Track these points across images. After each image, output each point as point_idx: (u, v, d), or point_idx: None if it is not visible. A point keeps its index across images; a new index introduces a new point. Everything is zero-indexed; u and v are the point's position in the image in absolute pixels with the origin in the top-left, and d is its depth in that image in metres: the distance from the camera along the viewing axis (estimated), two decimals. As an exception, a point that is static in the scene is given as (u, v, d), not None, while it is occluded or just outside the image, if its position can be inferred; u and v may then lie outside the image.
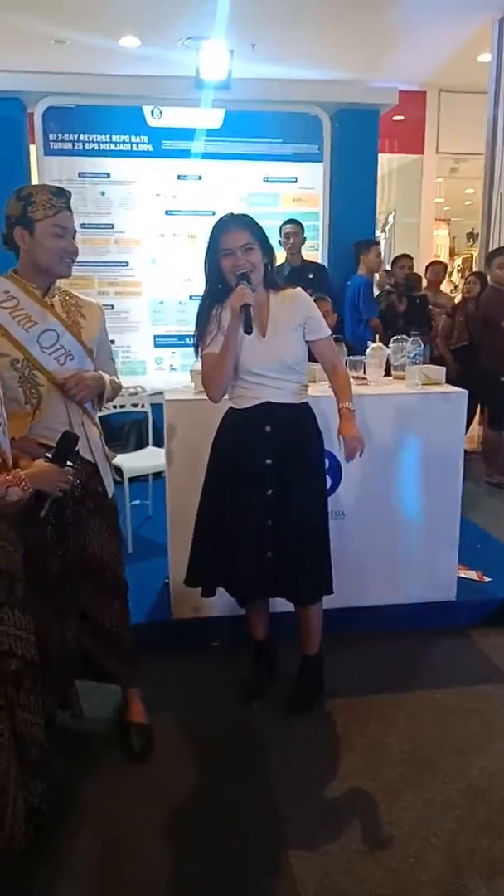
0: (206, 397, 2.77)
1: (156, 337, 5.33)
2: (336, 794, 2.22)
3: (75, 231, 2.11)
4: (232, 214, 2.35)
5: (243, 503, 2.41)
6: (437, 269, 6.38)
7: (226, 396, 2.46)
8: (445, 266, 7.03)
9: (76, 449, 1.93)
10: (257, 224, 2.34)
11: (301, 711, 2.58)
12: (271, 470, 2.38)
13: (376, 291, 5.88)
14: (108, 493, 2.25)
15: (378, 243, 5.66)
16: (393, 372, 3.26)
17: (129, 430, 5.05)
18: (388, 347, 3.28)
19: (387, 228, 10.29)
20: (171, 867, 1.93)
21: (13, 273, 2.12)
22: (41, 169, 4.90)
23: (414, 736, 2.48)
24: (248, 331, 2.21)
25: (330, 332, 2.47)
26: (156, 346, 5.34)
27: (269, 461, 2.38)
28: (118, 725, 2.45)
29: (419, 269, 6.27)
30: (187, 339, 5.39)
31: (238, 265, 2.27)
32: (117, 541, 2.32)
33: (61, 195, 2.06)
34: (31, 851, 1.87)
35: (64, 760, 2.26)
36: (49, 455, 1.85)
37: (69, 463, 1.86)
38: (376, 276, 5.93)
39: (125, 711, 2.44)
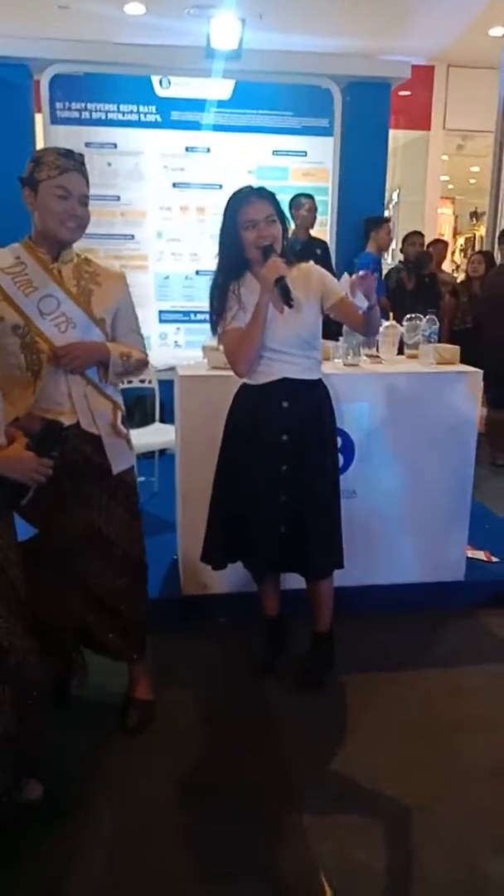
0: (220, 373, 2.78)
1: (161, 312, 5.27)
2: (349, 768, 2.23)
3: (85, 196, 2.04)
4: (251, 187, 2.31)
5: (258, 479, 2.41)
6: (440, 248, 6.33)
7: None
8: (447, 244, 6.99)
9: (63, 433, 1.87)
10: (276, 197, 2.31)
11: (312, 688, 2.59)
12: (287, 446, 2.37)
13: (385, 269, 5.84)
14: (114, 468, 2.17)
15: (389, 220, 5.60)
16: (406, 350, 3.24)
17: (133, 406, 5.02)
18: (402, 325, 3.26)
19: (391, 206, 10.20)
20: (185, 841, 1.94)
21: (28, 239, 2.09)
22: (47, 138, 4.80)
23: (424, 713, 2.49)
24: (290, 303, 2.22)
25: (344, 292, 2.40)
26: (160, 321, 5.29)
27: (284, 437, 2.37)
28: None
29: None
30: (192, 315, 5.37)
31: (263, 236, 2.24)
32: (131, 517, 2.27)
33: (69, 156, 2.00)
34: (41, 823, 1.90)
35: (76, 734, 2.28)
36: (30, 442, 1.76)
37: (52, 453, 1.76)
38: (384, 253, 5.88)
39: (129, 687, 2.44)
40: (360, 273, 2.24)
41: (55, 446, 1.78)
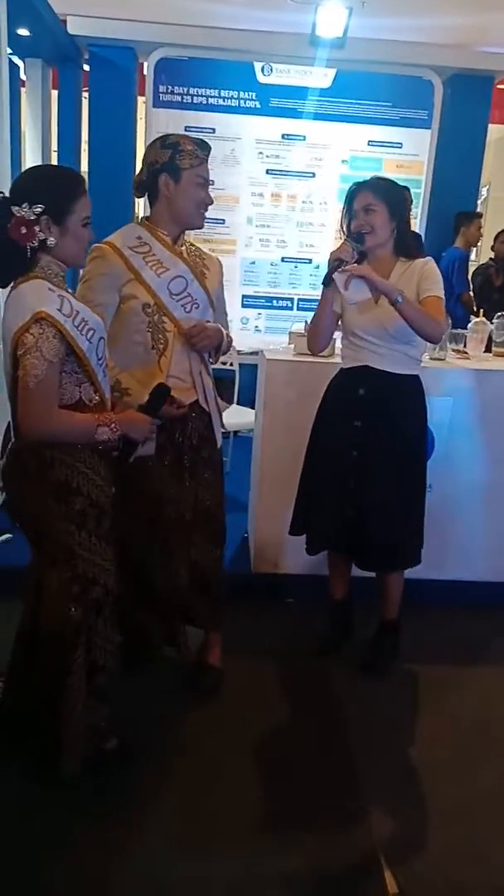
0: (305, 359, 2.86)
1: (244, 297, 5.34)
2: (411, 756, 2.27)
3: (211, 183, 2.15)
4: (369, 178, 2.39)
5: (330, 458, 2.49)
6: None
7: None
8: None
9: (170, 396, 1.97)
10: (391, 187, 2.35)
11: (376, 674, 2.63)
12: (358, 432, 2.42)
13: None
14: (218, 442, 2.31)
15: (481, 216, 5.51)
16: (494, 348, 3.22)
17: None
18: (491, 323, 3.23)
19: (480, 201, 9.96)
20: (248, 813, 2.00)
21: (145, 219, 2.18)
22: (149, 120, 4.92)
23: (487, 709, 2.51)
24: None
25: (440, 293, 2.37)
26: (243, 306, 5.36)
27: (357, 423, 2.42)
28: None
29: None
30: (275, 301, 5.43)
31: (357, 225, 2.32)
32: (223, 490, 2.38)
33: (204, 147, 2.10)
34: (116, 772, 2.00)
35: (148, 692, 2.39)
36: (142, 404, 1.90)
37: (158, 417, 1.90)
38: (472, 249, 5.79)
39: (203, 652, 2.52)
40: (349, 267, 2.29)
41: (162, 406, 1.92)
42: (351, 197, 2.37)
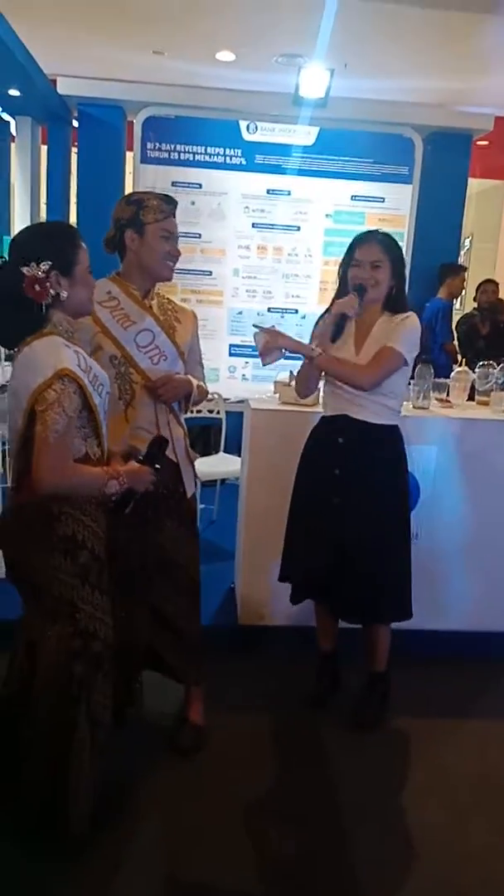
0: (291, 408, 2.88)
1: (231, 346, 5.39)
2: (401, 811, 2.21)
3: (178, 237, 2.19)
4: (375, 230, 2.44)
5: (310, 506, 2.50)
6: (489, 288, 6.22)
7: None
8: (497, 285, 6.87)
9: (166, 447, 2.02)
10: (395, 246, 2.40)
11: (365, 727, 2.58)
12: (339, 480, 2.43)
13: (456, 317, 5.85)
14: (188, 493, 2.30)
15: (465, 269, 5.63)
16: (477, 397, 3.24)
17: (197, 436, 5.13)
18: (474, 372, 3.27)
19: (462, 252, 10.21)
20: (228, 870, 1.94)
21: (116, 275, 2.21)
22: (137, 176, 5.02)
23: (481, 763, 2.46)
24: (333, 338, 2.37)
25: (397, 345, 2.32)
26: (230, 354, 5.40)
27: (337, 471, 2.43)
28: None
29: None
30: (262, 350, 5.49)
31: (360, 277, 2.34)
32: (194, 541, 2.36)
33: (170, 202, 2.15)
34: (88, 840, 1.92)
35: (125, 754, 2.31)
36: (141, 456, 1.95)
37: (157, 466, 1.94)
38: (455, 300, 5.89)
39: (184, 708, 2.48)
40: (269, 327, 2.41)
41: (160, 460, 1.96)
42: (355, 246, 2.39)
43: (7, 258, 1.78)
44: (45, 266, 1.72)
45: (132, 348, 2.14)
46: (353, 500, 2.42)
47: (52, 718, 1.83)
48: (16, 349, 1.80)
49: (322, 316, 2.51)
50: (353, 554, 2.43)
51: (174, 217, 2.18)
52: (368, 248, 2.36)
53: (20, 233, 1.89)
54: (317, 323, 2.52)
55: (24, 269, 1.71)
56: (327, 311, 2.48)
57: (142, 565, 2.22)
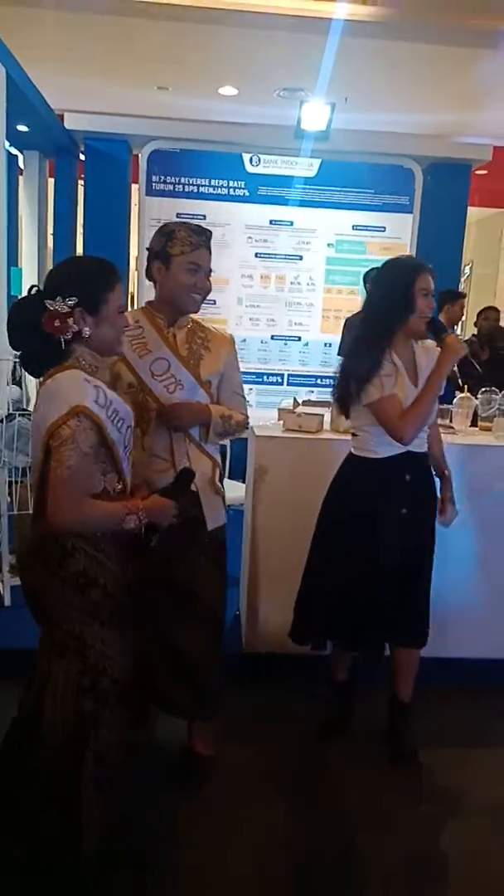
0: (294, 435, 2.88)
1: (235, 373, 5.44)
2: (411, 844, 2.19)
3: (210, 270, 2.17)
4: (421, 260, 2.41)
5: (374, 553, 2.38)
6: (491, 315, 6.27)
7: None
8: (498, 312, 6.91)
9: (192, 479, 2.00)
10: None
11: (409, 762, 2.53)
12: (407, 518, 2.39)
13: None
14: (209, 524, 2.24)
15: (465, 296, 5.69)
16: (480, 423, 3.26)
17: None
18: (476, 398, 3.29)
19: (462, 279, 10.31)
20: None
21: (147, 304, 2.25)
22: (142, 208, 5.12)
23: (494, 794, 2.43)
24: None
25: None
26: (234, 381, 5.45)
27: (404, 510, 2.39)
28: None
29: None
30: (265, 377, 5.53)
31: (431, 307, 2.32)
32: (217, 573, 2.31)
33: (201, 234, 2.13)
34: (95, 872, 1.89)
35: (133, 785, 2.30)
36: (164, 487, 1.92)
37: (181, 498, 1.91)
38: (455, 327, 5.94)
39: (189, 740, 2.44)
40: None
41: (186, 491, 1.94)
42: (419, 272, 2.29)
43: (42, 289, 1.78)
44: (70, 302, 1.72)
45: (147, 376, 2.14)
46: (417, 535, 2.44)
47: (58, 754, 1.80)
48: (41, 379, 1.80)
49: (368, 348, 2.34)
50: (412, 586, 2.45)
51: (206, 250, 2.14)
52: (430, 278, 2.30)
53: (58, 264, 1.89)
54: (364, 355, 2.34)
55: (48, 303, 1.72)
56: (370, 343, 2.35)
57: (153, 597, 2.14)
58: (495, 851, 2.17)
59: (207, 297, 2.22)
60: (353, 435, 2.48)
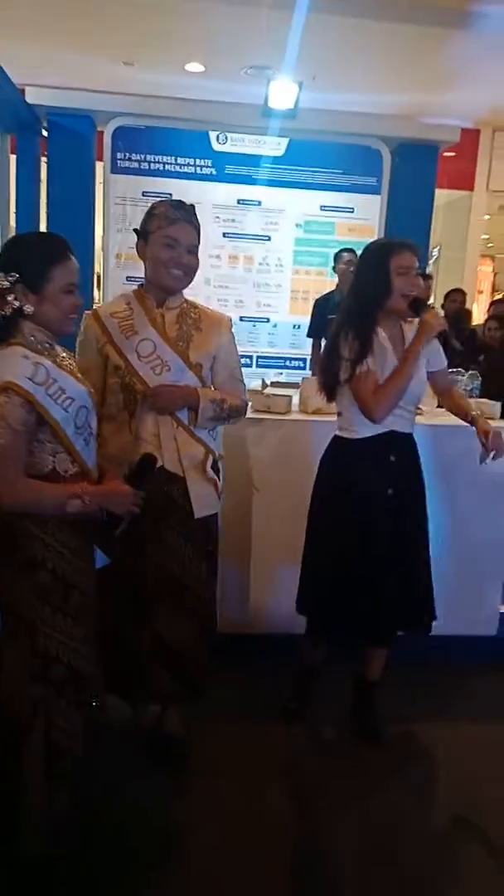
0: (262, 416, 2.86)
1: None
2: (369, 819, 2.23)
3: (194, 246, 2.11)
4: (402, 239, 2.37)
5: (365, 537, 2.37)
6: (457, 298, 6.31)
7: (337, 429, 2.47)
8: (464, 295, 6.93)
9: (156, 468, 1.94)
10: None
11: (382, 739, 2.56)
12: (394, 500, 2.38)
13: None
14: (196, 512, 2.17)
15: (431, 277, 5.72)
16: (447, 404, 3.28)
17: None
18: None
19: (431, 262, 10.36)
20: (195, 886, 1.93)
21: (139, 287, 2.20)
22: (107, 186, 5.04)
23: (451, 768, 2.48)
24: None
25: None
26: (203, 363, 5.43)
27: (390, 491, 2.38)
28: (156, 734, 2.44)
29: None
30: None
31: (416, 284, 2.30)
32: (205, 560, 2.25)
33: (179, 207, 2.09)
34: (60, 858, 1.88)
35: (105, 765, 2.29)
36: (126, 474, 1.85)
37: (146, 486, 1.84)
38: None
39: (160, 721, 2.42)
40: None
41: (149, 479, 1.86)
42: (395, 250, 2.27)
43: None
44: (11, 278, 1.69)
45: (133, 358, 2.10)
46: (407, 517, 2.42)
47: (6, 739, 1.76)
48: None
49: (356, 327, 2.31)
50: (412, 572, 2.46)
51: (188, 223, 2.09)
52: (409, 256, 2.27)
53: (8, 240, 1.86)
54: (350, 335, 2.30)
55: None
56: (356, 322, 2.32)
57: (141, 584, 2.14)
58: (463, 826, 2.23)
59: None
60: (339, 415, 2.47)
